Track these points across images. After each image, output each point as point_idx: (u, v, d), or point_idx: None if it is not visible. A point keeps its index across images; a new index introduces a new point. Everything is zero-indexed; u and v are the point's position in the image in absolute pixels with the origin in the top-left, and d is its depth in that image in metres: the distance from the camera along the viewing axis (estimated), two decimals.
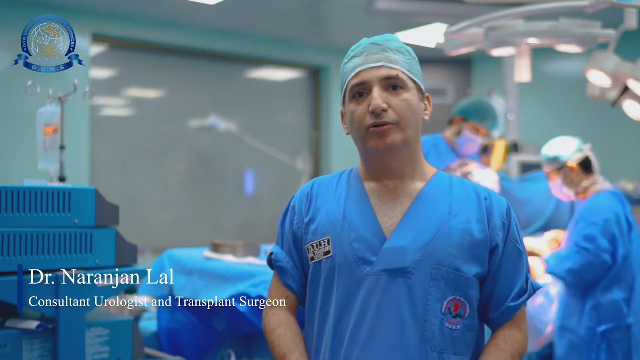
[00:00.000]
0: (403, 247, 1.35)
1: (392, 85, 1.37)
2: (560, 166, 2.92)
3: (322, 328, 1.41)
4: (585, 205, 2.85)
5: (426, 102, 1.45)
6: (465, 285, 1.35)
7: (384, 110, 1.35)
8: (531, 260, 3.02)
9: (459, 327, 1.35)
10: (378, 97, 1.35)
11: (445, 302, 1.34)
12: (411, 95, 1.39)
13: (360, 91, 1.39)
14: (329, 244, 1.40)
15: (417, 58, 1.45)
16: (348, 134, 1.46)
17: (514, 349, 1.40)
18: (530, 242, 3.07)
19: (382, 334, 1.33)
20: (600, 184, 2.91)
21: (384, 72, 1.37)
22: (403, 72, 1.38)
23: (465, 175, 2.73)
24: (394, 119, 1.36)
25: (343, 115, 1.47)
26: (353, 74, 1.40)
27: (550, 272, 2.86)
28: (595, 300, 2.77)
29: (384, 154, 1.39)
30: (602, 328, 2.73)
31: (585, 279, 2.74)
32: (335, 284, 1.38)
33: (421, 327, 1.32)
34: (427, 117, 1.45)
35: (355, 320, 1.35)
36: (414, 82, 1.41)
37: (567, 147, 2.94)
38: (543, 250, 3.01)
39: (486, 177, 2.77)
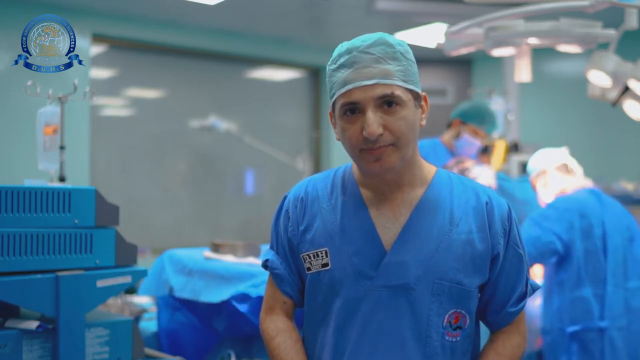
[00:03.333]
0: (404, 261, 1.30)
1: (387, 102, 1.26)
2: (537, 173, 2.95)
3: (323, 338, 1.38)
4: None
5: (423, 104, 1.35)
6: (466, 297, 1.33)
7: (380, 135, 1.25)
8: None
9: (458, 338, 1.33)
10: (373, 122, 1.24)
11: (446, 316, 1.31)
12: (407, 110, 1.28)
13: (351, 109, 1.28)
14: (326, 255, 1.35)
15: (412, 57, 1.33)
16: (339, 139, 1.35)
17: (512, 353, 1.39)
18: None
19: (384, 351, 1.31)
20: (580, 183, 2.89)
21: (378, 91, 1.25)
22: (399, 86, 1.27)
23: (463, 172, 2.71)
24: (390, 140, 1.27)
25: (332, 118, 1.37)
26: (343, 90, 1.28)
27: None
28: (562, 298, 2.73)
29: (380, 174, 1.32)
30: (571, 329, 2.69)
31: (530, 253, 2.67)
32: (335, 297, 1.35)
33: (423, 344, 1.30)
34: (423, 122, 1.36)
35: (356, 336, 1.32)
36: (410, 91, 1.30)
37: (542, 156, 2.98)
38: None
39: (483, 174, 2.76)
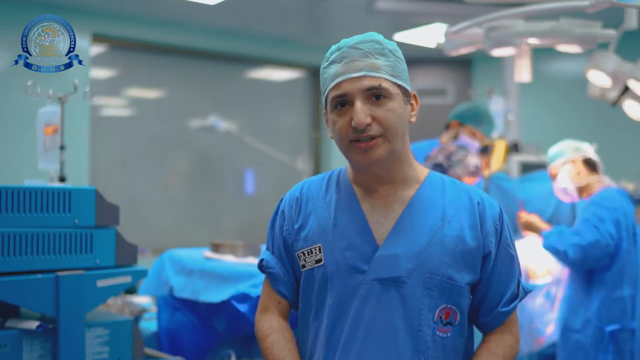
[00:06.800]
0: (396, 255, 1.32)
1: (375, 95, 1.30)
2: (564, 161, 2.90)
3: (316, 335, 1.39)
4: (595, 195, 2.82)
5: (413, 102, 1.38)
6: (457, 293, 1.33)
7: (368, 125, 1.28)
8: (529, 236, 3.00)
9: (449, 334, 1.33)
10: (360, 112, 1.28)
11: (437, 311, 1.32)
12: (395, 103, 1.31)
13: (341, 102, 1.32)
14: (320, 251, 1.37)
15: (401, 56, 1.37)
16: (332, 137, 1.39)
17: (505, 352, 1.39)
18: (529, 218, 3.01)
19: (376, 345, 1.31)
20: (607, 182, 2.89)
21: (366, 83, 1.29)
22: (386, 79, 1.30)
23: (448, 156, 2.69)
24: (378, 131, 1.29)
25: (326, 116, 1.41)
26: (333, 83, 1.32)
27: (549, 246, 2.79)
28: (603, 296, 2.71)
29: (370, 166, 1.34)
30: (611, 328, 2.68)
31: (588, 257, 2.68)
32: (327, 292, 1.36)
33: (414, 338, 1.31)
34: (413, 119, 1.37)
35: (349, 329, 1.33)
36: (399, 86, 1.33)
37: (572, 145, 2.94)
38: (542, 226, 2.95)
39: (467, 156, 2.73)
